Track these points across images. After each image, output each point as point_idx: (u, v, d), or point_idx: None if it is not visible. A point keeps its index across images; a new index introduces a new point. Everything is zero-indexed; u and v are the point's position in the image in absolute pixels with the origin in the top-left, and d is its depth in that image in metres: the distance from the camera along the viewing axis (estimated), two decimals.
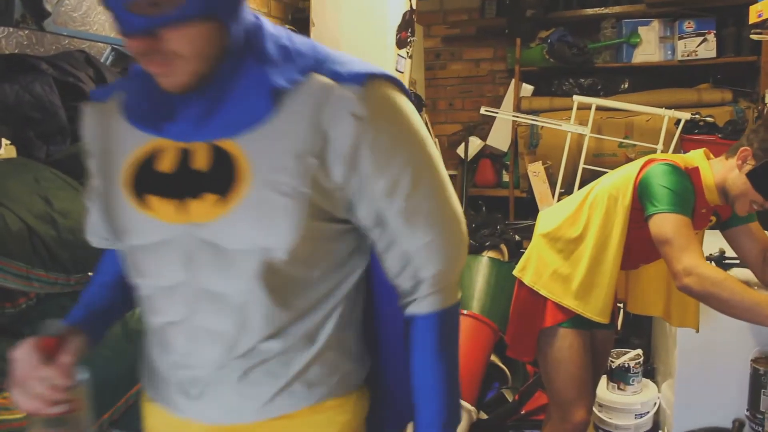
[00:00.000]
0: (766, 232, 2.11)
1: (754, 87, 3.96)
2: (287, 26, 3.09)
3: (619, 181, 2.01)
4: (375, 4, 3.04)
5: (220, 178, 0.96)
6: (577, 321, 2.08)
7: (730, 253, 2.19)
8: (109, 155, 1.05)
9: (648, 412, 3.08)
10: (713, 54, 4.04)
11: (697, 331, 2.24)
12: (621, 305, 2.38)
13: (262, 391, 1.03)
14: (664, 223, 1.82)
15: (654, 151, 3.71)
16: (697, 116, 3.70)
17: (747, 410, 2.44)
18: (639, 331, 3.67)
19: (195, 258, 0.99)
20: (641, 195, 1.93)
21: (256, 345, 1.01)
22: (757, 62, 3.88)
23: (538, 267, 2.13)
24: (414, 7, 3.20)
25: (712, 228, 2.14)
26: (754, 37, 2.91)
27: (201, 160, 0.97)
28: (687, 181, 1.91)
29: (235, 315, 1.00)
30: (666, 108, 3.73)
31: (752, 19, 2.69)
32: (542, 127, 4.04)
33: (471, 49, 4.72)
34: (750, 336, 2.54)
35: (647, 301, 2.30)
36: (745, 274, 2.20)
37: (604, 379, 3.17)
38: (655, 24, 4.15)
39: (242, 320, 1.00)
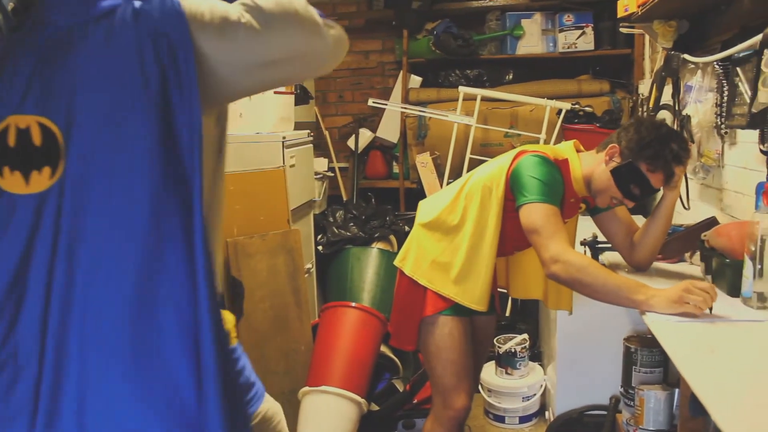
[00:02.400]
0: (631, 216, 2.20)
1: (630, 78, 4.13)
2: None
3: (493, 171, 2.05)
4: None
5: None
6: (457, 308, 2.11)
7: (602, 237, 2.28)
8: None
9: (534, 395, 3.18)
10: (591, 47, 4.19)
11: (570, 313, 2.31)
12: (505, 291, 2.44)
13: None
14: (533, 213, 1.87)
15: (537, 140, 3.81)
16: (576, 106, 3.83)
17: (621, 387, 2.54)
18: (526, 316, 3.78)
19: None
20: (512, 185, 1.98)
21: None
22: (631, 55, 4.05)
23: (417, 256, 2.15)
24: None
25: (583, 214, 2.22)
26: (623, 30, 3.02)
27: None
28: (556, 172, 1.96)
29: None
30: (548, 98, 3.84)
31: (620, 13, 2.80)
32: (430, 118, 4.08)
33: (360, 41, 4.70)
34: (623, 317, 2.65)
35: (527, 286, 2.37)
36: (616, 257, 2.28)
37: (492, 364, 3.25)
38: (538, 17, 4.26)
39: None
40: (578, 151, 2.11)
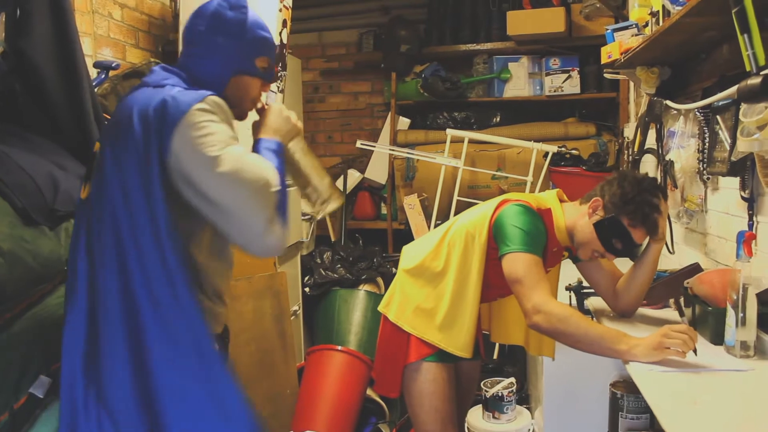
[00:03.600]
0: (614, 263, 2.21)
1: (615, 122, 4.18)
2: (153, 59, 3.01)
3: (476, 219, 2.06)
4: None
5: None
6: (440, 355, 2.10)
7: (587, 282, 2.28)
8: None
9: None
10: (577, 90, 4.24)
11: (553, 359, 2.31)
12: (488, 334, 2.43)
13: None
14: (516, 262, 1.88)
15: (525, 182, 3.84)
16: (563, 149, 3.87)
17: None
18: (514, 359, 3.76)
19: None
20: (495, 234, 1.99)
21: None
22: (616, 98, 4.10)
23: (401, 302, 2.14)
24: (285, 41, 3.19)
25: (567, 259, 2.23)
26: (607, 75, 3.06)
27: None
28: (539, 221, 1.97)
29: None
30: (535, 141, 3.87)
31: (604, 59, 2.84)
32: (418, 159, 4.11)
33: (349, 83, 4.75)
34: (610, 362, 2.63)
35: (509, 331, 2.36)
36: (601, 302, 2.29)
37: (479, 408, 3.22)
38: (524, 60, 4.32)
39: None
40: (561, 200, 2.13)
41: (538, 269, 1.89)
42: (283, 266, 3.19)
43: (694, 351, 1.64)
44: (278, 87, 3.16)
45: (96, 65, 2.66)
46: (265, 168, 1.49)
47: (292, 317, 3.13)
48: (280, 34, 3.13)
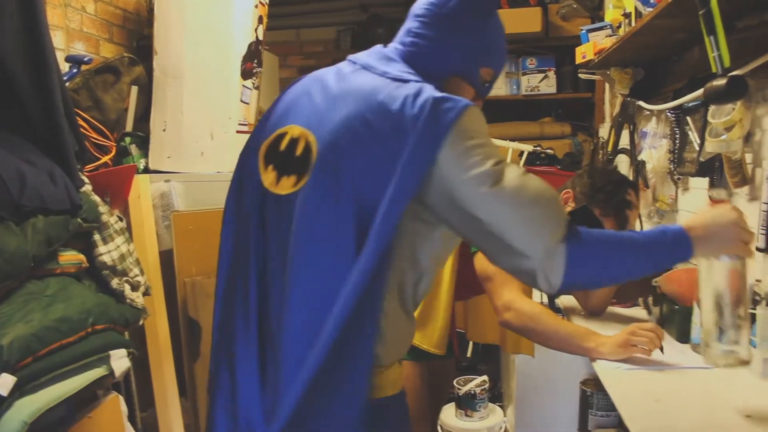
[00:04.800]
0: None
1: (591, 122, 4.21)
2: (127, 54, 2.98)
3: None
4: (219, 35, 2.98)
5: None
6: (414, 352, 2.10)
7: None
8: None
9: None
10: (554, 90, 4.27)
11: (533, 356, 2.32)
12: (464, 332, 2.44)
13: None
14: (486, 260, 1.88)
15: None
16: (539, 148, 3.89)
17: (578, 430, 2.54)
18: (487, 357, 3.78)
19: None
20: None
21: None
22: (592, 98, 4.13)
23: None
24: (261, 38, 3.17)
25: None
26: (582, 76, 3.09)
27: None
28: None
29: None
30: (511, 140, 3.89)
31: (578, 59, 2.87)
32: None
33: None
34: (579, 360, 2.65)
35: (485, 330, 2.37)
36: (573, 301, 2.30)
37: (452, 406, 3.23)
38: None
39: None
40: None
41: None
42: None
43: (661, 349, 1.66)
44: (254, 84, 3.14)
45: (68, 59, 2.63)
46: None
47: None
48: (256, 30, 3.11)
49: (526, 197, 1.14)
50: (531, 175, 1.19)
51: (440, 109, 1.15)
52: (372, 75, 1.27)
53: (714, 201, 1.26)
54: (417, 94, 1.18)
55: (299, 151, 1.25)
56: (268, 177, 1.30)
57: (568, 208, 2.00)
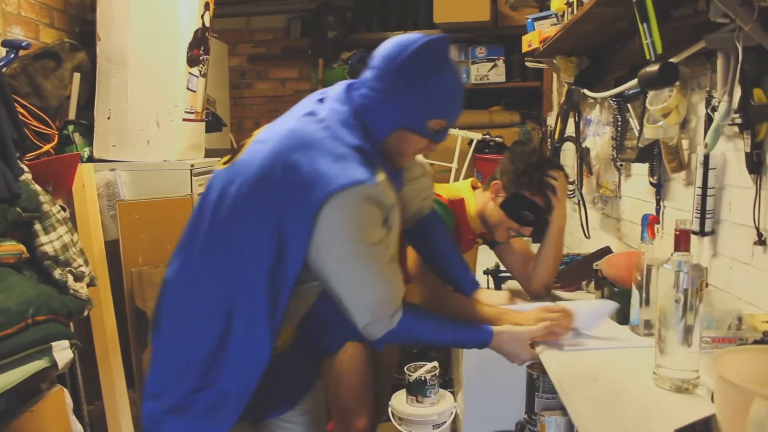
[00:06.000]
0: (530, 246, 2.26)
1: (539, 110, 4.27)
2: (68, 40, 2.92)
3: None
4: (164, 21, 2.94)
5: None
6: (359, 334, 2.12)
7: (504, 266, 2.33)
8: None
9: (445, 422, 3.19)
10: (503, 79, 4.31)
11: None
12: None
13: None
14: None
15: (450, 169, 3.88)
16: (488, 137, 3.93)
17: (525, 413, 2.58)
18: None
19: None
20: None
21: None
22: (540, 88, 4.19)
23: None
24: (207, 25, 3.13)
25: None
26: (528, 64, 3.13)
27: None
28: (445, 216, 2.03)
29: None
30: (460, 128, 3.92)
31: (524, 48, 2.90)
32: None
33: (277, 69, 4.71)
34: None
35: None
36: (518, 285, 2.33)
37: (403, 392, 3.25)
38: (451, 49, 4.34)
39: None
40: (475, 187, 2.17)
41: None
42: None
43: (573, 331, 1.69)
44: (200, 71, 3.10)
45: (4, 44, 2.56)
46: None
47: None
48: (203, 16, 3.07)
49: (366, 276, 1.36)
50: (379, 257, 1.36)
51: (320, 178, 1.30)
52: (310, 120, 1.41)
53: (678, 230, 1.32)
54: (312, 154, 1.34)
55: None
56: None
57: (501, 198, 2.04)
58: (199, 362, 1.40)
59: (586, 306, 1.81)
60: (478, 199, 2.13)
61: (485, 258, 2.44)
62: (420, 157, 1.71)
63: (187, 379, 1.41)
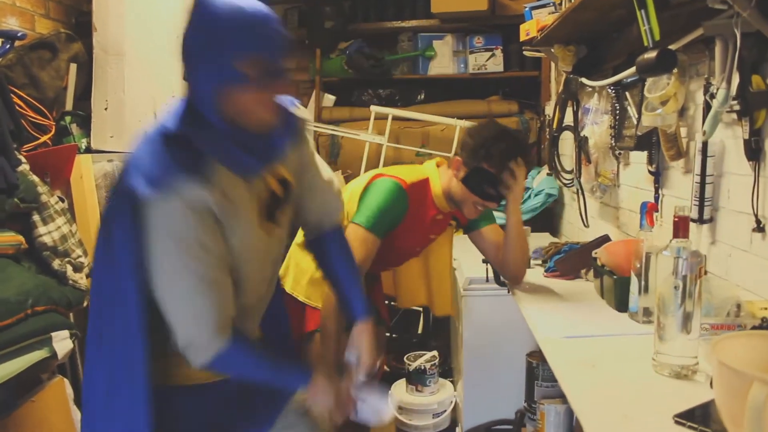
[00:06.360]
0: (501, 233, 2.24)
1: (537, 100, 4.26)
2: (64, 30, 2.91)
3: (350, 194, 2.11)
4: (159, 13, 2.93)
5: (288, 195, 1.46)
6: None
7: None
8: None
9: (445, 411, 3.20)
10: (501, 68, 4.29)
11: (454, 315, 2.41)
12: (420, 309, 2.51)
13: None
14: (351, 235, 1.92)
15: (448, 158, 3.87)
16: None
17: (524, 401, 2.60)
18: (438, 333, 3.82)
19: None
20: (359, 203, 2.05)
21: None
22: (538, 77, 4.17)
23: (296, 274, 2.17)
24: None
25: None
26: (526, 53, 3.12)
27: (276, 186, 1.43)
28: (400, 200, 2.03)
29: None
30: (459, 118, 3.91)
31: (522, 37, 2.89)
32: (342, 137, 4.10)
33: None
34: (526, 334, 2.71)
35: (413, 294, 2.45)
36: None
37: (402, 382, 3.27)
38: (449, 39, 4.34)
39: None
40: (439, 166, 2.19)
41: (367, 247, 1.95)
42: None
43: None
44: None
45: None
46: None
47: None
48: None
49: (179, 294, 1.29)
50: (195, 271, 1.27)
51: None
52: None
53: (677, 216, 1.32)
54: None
55: None
56: None
57: (462, 174, 2.05)
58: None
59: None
60: (442, 177, 2.13)
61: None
62: (329, 172, 1.62)
63: None
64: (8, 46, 2.51)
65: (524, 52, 3.15)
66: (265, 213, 1.41)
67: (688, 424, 1.12)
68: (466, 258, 2.80)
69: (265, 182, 1.40)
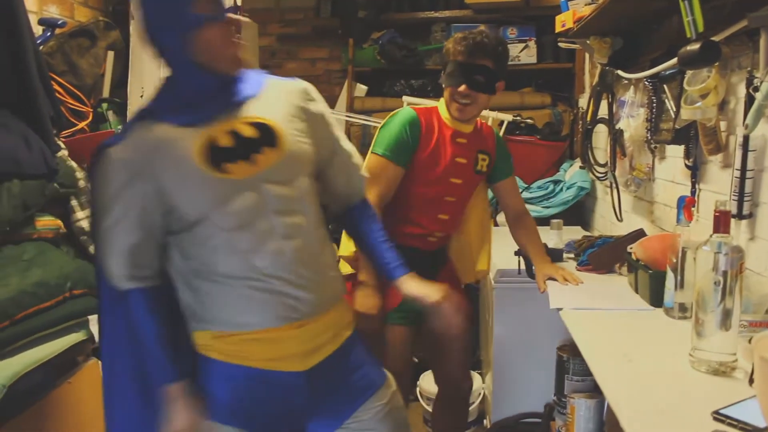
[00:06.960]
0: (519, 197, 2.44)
1: (571, 92, 4.22)
2: (102, 18, 2.94)
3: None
4: None
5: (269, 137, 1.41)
6: (406, 317, 2.17)
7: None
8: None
9: (473, 403, 3.20)
10: (534, 60, 4.26)
11: (488, 269, 2.48)
12: None
13: None
14: (370, 163, 2.07)
15: None
16: (518, 118, 3.90)
17: (554, 395, 2.59)
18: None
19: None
20: (375, 139, 2.20)
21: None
22: (572, 69, 4.13)
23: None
24: (239, 3, 3.13)
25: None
26: (561, 45, 3.09)
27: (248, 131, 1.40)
28: (410, 121, 2.13)
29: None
30: (491, 110, 3.89)
31: (558, 28, 2.87)
32: (374, 126, 4.10)
33: (306, 49, 4.70)
34: (557, 327, 2.69)
35: (475, 263, 2.44)
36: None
37: (430, 374, 3.26)
38: (482, 29, 4.31)
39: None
40: None
41: (387, 174, 2.09)
42: None
43: None
44: None
45: (41, 22, 2.58)
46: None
47: None
48: None
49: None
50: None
51: None
52: None
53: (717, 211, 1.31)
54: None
55: None
56: None
57: (445, 76, 2.17)
58: None
59: None
60: (443, 102, 2.23)
61: (511, 242, 2.44)
62: (349, 144, 1.66)
63: None
64: (49, 33, 2.54)
65: (559, 44, 3.12)
66: (221, 156, 1.37)
67: (728, 420, 1.11)
68: (498, 251, 2.79)
69: (225, 128, 1.39)
